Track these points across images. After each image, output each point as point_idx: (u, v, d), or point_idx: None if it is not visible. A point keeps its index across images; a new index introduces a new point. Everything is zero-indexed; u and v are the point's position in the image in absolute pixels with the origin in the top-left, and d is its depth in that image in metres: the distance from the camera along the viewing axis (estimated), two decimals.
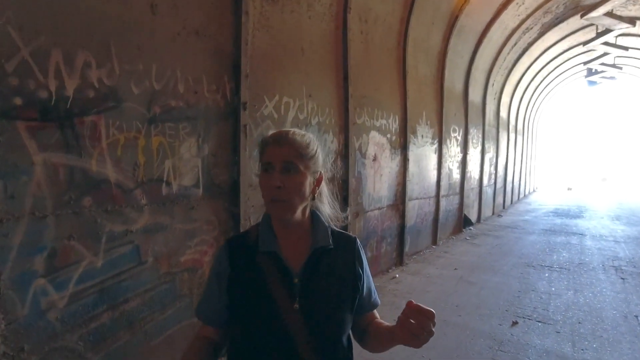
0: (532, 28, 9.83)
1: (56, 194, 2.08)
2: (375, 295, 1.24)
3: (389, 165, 5.70)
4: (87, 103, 2.18)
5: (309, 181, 1.10)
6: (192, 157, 2.80)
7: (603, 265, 6.23)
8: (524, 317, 4.14)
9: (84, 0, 2.15)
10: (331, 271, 1.13)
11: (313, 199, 1.16)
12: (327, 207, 1.23)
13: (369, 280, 1.22)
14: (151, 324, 2.60)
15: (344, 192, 4.58)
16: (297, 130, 1.15)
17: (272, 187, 1.04)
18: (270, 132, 1.16)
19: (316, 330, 1.06)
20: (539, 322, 4.04)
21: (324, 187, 1.21)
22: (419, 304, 0.94)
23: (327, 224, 1.18)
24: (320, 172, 1.16)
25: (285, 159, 1.06)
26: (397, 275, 5.56)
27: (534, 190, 21.44)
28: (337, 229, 1.22)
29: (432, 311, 0.92)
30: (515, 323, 3.97)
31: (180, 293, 2.78)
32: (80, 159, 2.17)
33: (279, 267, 1.08)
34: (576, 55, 12.80)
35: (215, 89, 2.93)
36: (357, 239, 1.23)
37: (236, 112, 3.09)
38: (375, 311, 1.24)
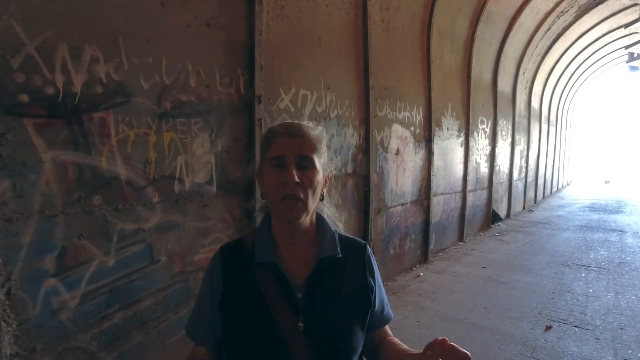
0: (567, 11, 9.24)
1: (65, 192, 2.04)
2: (388, 308, 1.10)
3: (412, 160, 5.47)
4: (95, 99, 2.12)
5: (321, 179, 0.97)
6: (205, 153, 2.72)
7: None
8: (558, 321, 3.86)
9: None
10: (339, 284, 0.99)
11: (322, 200, 1.03)
12: (331, 209, 1.10)
13: (381, 292, 1.08)
14: (165, 323, 2.55)
15: (365, 187, 4.41)
16: (307, 122, 1.02)
17: (286, 184, 0.90)
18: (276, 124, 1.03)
19: (323, 353, 0.93)
20: (575, 327, 3.75)
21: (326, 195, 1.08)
22: (453, 343, 0.78)
23: (333, 229, 1.05)
24: (329, 170, 1.03)
25: (300, 152, 0.93)
26: (422, 274, 5.35)
27: (567, 184, 20.44)
28: (344, 233, 1.08)
29: (468, 355, 0.76)
30: (549, 327, 3.71)
31: (194, 292, 2.71)
32: (89, 156, 2.12)
33: (280, 281, 0.95)
34: (616, 39, 11.98)
35: (228, 82, 2.83)
36: (368, 245, 1.09)
37: (250, 105, 2.98)
38: (387, 327, 1.09)
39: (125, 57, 2.23)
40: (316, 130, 0.99)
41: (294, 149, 0.93)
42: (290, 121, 1.01)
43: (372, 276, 1.04)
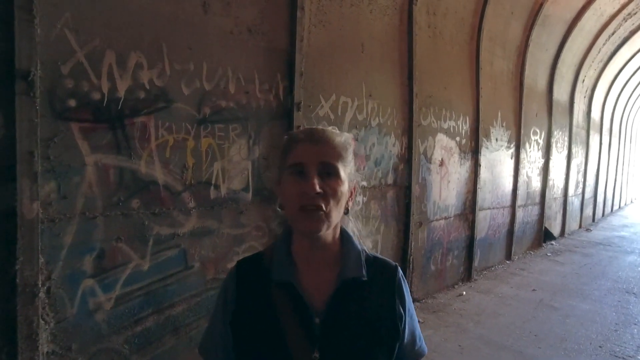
0: (635, 13, 8.45)
1: (106, 195, 2.08)
2: (422, 342, 0.96)
3: (457, 171, 5.19)
4: (137, 104, 2.16)
5: (346, 190, 0.87)
6: (242, 159, 2.70)
7: None
8: (624, 358, 3.43)
9: (136, 0, 2.13)
10: (363, 310, 0.87)
11: (346, 213, 0.92)
12: (357, 224, 0.98)
13: (412, 321, 0.94)
14: (196, 330, 2.53)
15: (406, 199, 4.22)
16: (331, 128, 0.92)
17: (306, 194, 0.81)
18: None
19: None
20: None
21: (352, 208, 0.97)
22: None
23: (359, 248, 0.93)
24: (356, 181, 0.92)
25: (322, 159, 0.84)
26: (464, 293, 5.02)
27: (631, 202, 18.65)
28: (372, 253, 0.96)
29: None
30: None
31: None
32: (129, 160, 2.16)
33: (297, 303, 0.85)
34: None
35: (267, 89, 2.81)
36: (399, 268, 0.96)
37: (289, 112, 2.94)
38: None
39: (167, 63, 2.27)
40: (342, 137, 0.89)
41: (316, 156, 0.84)
42: (310, 127, 0.92)
43: (402, 303, 0.92)
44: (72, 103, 1.94)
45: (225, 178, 2.60)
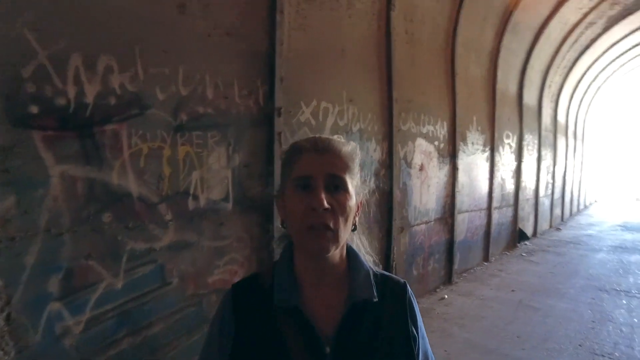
0: (596, 22, 8.90)
1: (74, 209, 1.92)
2: None
3: (436, 175, 5.23)
4: (108, 110, 2.01)
5: (354, 204, 0.80)
6: (222, 168, 2.57)
7: None
8: (603, 355, 3.50)
9: (106, 0, 1.99)
10: (376, 334, 0.80)
11: (354, 230, 0.84)
12: (364, 242, 0.90)
13: (425, 342, 0.87)
14: (176, 350, 2.38)
15: (388, 204, 4.19)
16: (336, 136, 0.84)
17: (313, 210, 0.74)
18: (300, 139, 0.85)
19: None
20: None
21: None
22: None
23: (367, 266, 0.86)
24: (363, 194, 0.86)
25: (329, 171, 0.77)
26: (446, 296, 5.04)
27: (595, 201, 19.58)
28: (379, 270, 0.89)
29: None
30: None
31: (207, 317, 2.54)
32: (100, 171, 2.00)
33: (304, 330, 0.77)
34: None
35: (247, 94, 2.70)
36: (407, 285, 0.89)
37: (270, 118, 2.84)
38: None
39: (141, 67, 2.13)
40: (348, 146, 0.82)
41: (323, 168, 0.77)
42: (317, 135, 0.84)
43: (414, 324, 0.85)
44: (34, 109, 1.78)
45: (204, 188, 2.47)
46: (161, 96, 2.23)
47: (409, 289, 0.88)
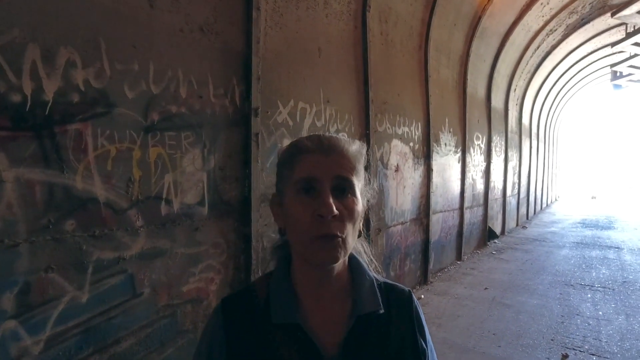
0: (556, 30, 9.37)
1: (32, 217, 1.73)
2: None
3: (412, 176, 5.27)
4: (70, 109, 1.84)
5: (362, 210, 0.73)
6: (196, 170, 2.44)
7: None
8: (574, 349, 3.62)
9: None
10: (383, 350, 0.73)
11: (359, 236, 0.77)
12: (366, 248, 0.84)
13: (433, 355, 0.81)
14: None
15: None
16: (341, 134, 0.77)
17: (321, 218, 0.66)
18: (289, 141, 0.77)
19: None
20: (592, 354, 3.52)
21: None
22: None
23: (371, 275, 0.80)
24: (367, 198, 0.78)
25: (337, 173, 0.69)
26: (423, 296, 5.08)
27: (556, 200, 20.61)
28: (382, 278, 0.83)
29: None
30: (565, 357, 3.46)
31: (182, 328, 2.39)
32: (61, 175, 1.82)
33: (305, 348, 0.69)
34: (601, 58, 12.24)
35: (222, 93, 2.58)
36: (412, 293, 0.83)
37: (247, 119, 2.73)
38: None
39: (107, 62, 1.97)
40: (354, 145, 0.75)
41: (329, 169, 0.69)
42: (318, 133, 0.77)
43: (422, 336, 0.79)
44: None
45: (177, 192, 2.33)
46: (130, 94, 2.07)
47: (415, 298, 0.82)
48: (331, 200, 0.66)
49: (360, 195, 0.73)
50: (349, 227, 0.69)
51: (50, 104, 1.77)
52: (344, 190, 0.69)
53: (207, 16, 2.47)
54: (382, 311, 0.74)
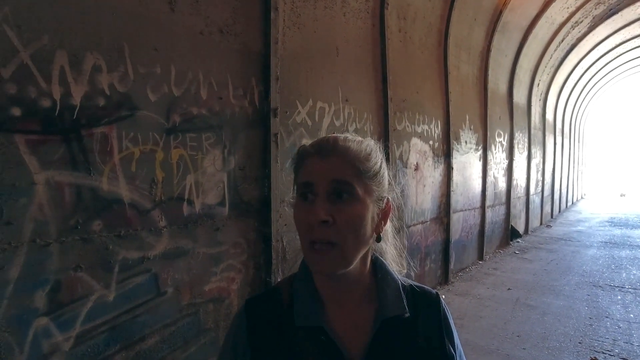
0: (581, 22, 9.04)
1: (61, 218, 1.79)
2: None
3: (432, 175, 5.19)
4: (96, 112, 1.89)
5: (371, 213, 0.70)
6: (217, 171, 2.47)
7: None
8: (603, 352, 3.49)
9: None
10: (409, 355, 0.72)
11: (378, 240, 0.76)
12: (393, 251, 0.82)
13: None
14: None
15: None
16: (350, 135, 0.75)
17: (312, 223, 0.65)
18: (308, 141, 0.76)
19: None
20: (623, 359, 3.38)
21: (389, 223, 0.81)
22: None
23: (396, 277, 0.78)
24: (388, 198, 0.76)
25: (334, 176, 0.67)
26: (444, 296, 4.96)
27: (582, 198, 19.94)
28: (407, 281, 0.81)
29: None
30: None
31: (204, 327, 2.43)
32: (88, 177, 1.88)
33: (329, 353, 0.68)
34: (631, 50, 11.73)
35: (242, 94, 2.61)
36: (440, 297, 0.81)
37: (266, 119, 2.75)
38: None
39: (130, 66, 2.02)
40: (361, 144, 0.72)
41: (326, 174, 0.68)
42: (329, 135, 0.75)
43: (450, 341, 0.77)
44: (16, 112, 1.65)
45: (199, 192, 2.36)
46: (152, 97, 2.12)
47: (443, 302, 0.80)
48: (321, 205, 0.65)
49: (373, 196, 0.71)
50: (347, 234, 0.67)
51: (77, 108, 1.82)
52: (341, 194, 0.67)
53: (226, 18, 2.50)
54: (407, 314, 0.73)
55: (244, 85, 2.62)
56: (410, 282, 0.81)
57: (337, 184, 0.67)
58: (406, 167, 4.58)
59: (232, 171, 2.56)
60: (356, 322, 0.72)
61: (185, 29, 2.27)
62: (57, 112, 1.76)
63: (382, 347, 0.70)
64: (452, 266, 5.75)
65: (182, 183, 2.28)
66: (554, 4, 7.50)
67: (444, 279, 5.58)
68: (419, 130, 4.83)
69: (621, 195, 21.21)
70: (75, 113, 1.82)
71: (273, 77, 2.74)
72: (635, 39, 10.54)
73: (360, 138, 0.75)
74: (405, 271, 0.83)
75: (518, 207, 8.87)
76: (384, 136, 4.12)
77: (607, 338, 3.79)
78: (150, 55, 2.10)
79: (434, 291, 0.81)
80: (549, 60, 9.57)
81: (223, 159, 2.51)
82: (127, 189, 2.02)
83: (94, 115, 1.88)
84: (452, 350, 0.76)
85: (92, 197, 1.89)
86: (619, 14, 9.18)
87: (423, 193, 4.98)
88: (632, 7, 8.81)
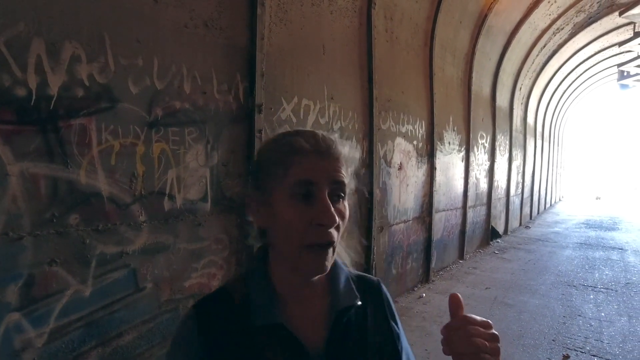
0: (563, 28, 9.28)
1: (36, 211, 1.75)
2: (414, 358, 0.84)
3: (415, 175, 5.26)
4: (74, 103, 1.85)
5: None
6: (200, 166, 2.45)
7: None
8: (575, 349, 3.61)
9: None
10: (364, 341, 0.74)
11: None
12: (341, 242, 0.86)
13: (404, 339, 0.81)
14: None
15: (369, 204, 4.16)
16: (325, 133, 0.74)
17: (320, 226, 0.65)
18: (286, 130, 0.76)
19: None
20: (594, 355, 3.51)
21: None
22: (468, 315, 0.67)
23: (345, 268, 0.80)
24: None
25: (335, 178, 0.67)
26: (424, 295, 5.08)
27: (560, 200, 20.51)
28: (352, 270, 0.83)
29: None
30: (566, 357, 3.46)
31: None
32: (66, 169, 1.83)
33: (290, 348, 0.67)
34: (608, 58, 12.13)
35: (226, 89, 2.58)
36: (381, 282, 0.85)
37: (250, 115, 2.73)
38: None
39: (111, 57, 1.97)
40: (340, 145, 0.72)
41: (329, 174, 0.67)
42: (307, 130, 0.73)
43: (394, 321, 0.81)
44: None
45: (180, 187, 2.33)
46: (134, 89, 2.08)
47: (383, 287, 0.84)
48: (330, 209, 0.65)
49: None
50: (341, 232, 0.69)
51: (54, 99, 1.78)
52: (339, 195, 0.68)
53: (211, 11, 2.47)
54: (360, 302, 0.75)
55: (229, 81, 2.60)
56: (355, 271, 0.83)
57: (336, 185, 0.67)
58: (390, 167, 4.63)
59: (215, 167, 2.54)
60: (313, 315, 0.72)
61: (169, 22, 2.23)
62: (32, 101, 1.71)
63: (339, 336, 0.71)
64: (433, 265, 5.84)
65: (163, 178, 2.25)
66: (537, 10, 7.67)
67: (425, 278, 5.67)
68: (404, 130, 4.88)
69: (597, 198, 21.91)
70: (52, 103, 1.77)
71: (258, 73, 2.73)
72: (613, 47, 10.89)
73: (332, 136, 0.75)
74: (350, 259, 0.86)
75: (498, 208, 9.07)
76: (369, 135, 4.14)
77: (580, 336, 3.92)
78: (132, 47, 2.06)
79: (375, 278, 0.85)
80: (532, 65, 9.80)
81: (206, 154, 2.48)
82: (106, 182, 1.98)
83: (72, 106, 1.84)
84: (397, 329, 0.79)
85: (69, 190, 1.85)
86: (598, 22, 9.47)
87: (406, 192, 5.04)
88: (610, 17, 9.10)
